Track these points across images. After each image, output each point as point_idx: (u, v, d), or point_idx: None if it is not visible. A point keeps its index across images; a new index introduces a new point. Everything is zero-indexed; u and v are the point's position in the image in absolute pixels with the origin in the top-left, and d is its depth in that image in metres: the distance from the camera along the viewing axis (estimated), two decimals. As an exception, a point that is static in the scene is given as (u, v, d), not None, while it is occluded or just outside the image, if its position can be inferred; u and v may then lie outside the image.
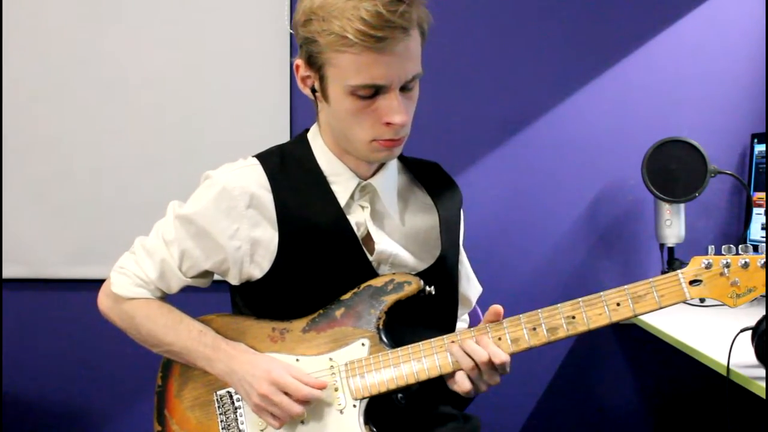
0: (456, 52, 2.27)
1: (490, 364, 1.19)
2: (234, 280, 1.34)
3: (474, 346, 1.20)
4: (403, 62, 1.18)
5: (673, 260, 2.11)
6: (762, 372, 1.30)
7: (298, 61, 1.25)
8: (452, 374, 1.24)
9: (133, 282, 1.36)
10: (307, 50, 1.21)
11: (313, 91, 1.26)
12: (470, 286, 1.52)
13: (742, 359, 1.35)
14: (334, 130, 1.29)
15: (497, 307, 1.23)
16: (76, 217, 2.27)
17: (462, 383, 1.22)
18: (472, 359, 1.20)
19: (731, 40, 2.26)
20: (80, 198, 2.27)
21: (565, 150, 2.29)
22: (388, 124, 1.20)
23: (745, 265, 1.18)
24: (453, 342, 1.23)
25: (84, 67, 2.25)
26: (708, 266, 1.19)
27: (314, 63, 1.21)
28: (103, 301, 1.41)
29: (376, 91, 1.18)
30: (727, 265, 1.18)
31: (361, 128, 1.22)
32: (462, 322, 1.55)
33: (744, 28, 2.25)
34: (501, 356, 1.19)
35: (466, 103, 2.29)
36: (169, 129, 2.26)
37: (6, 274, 2.27)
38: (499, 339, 1.22)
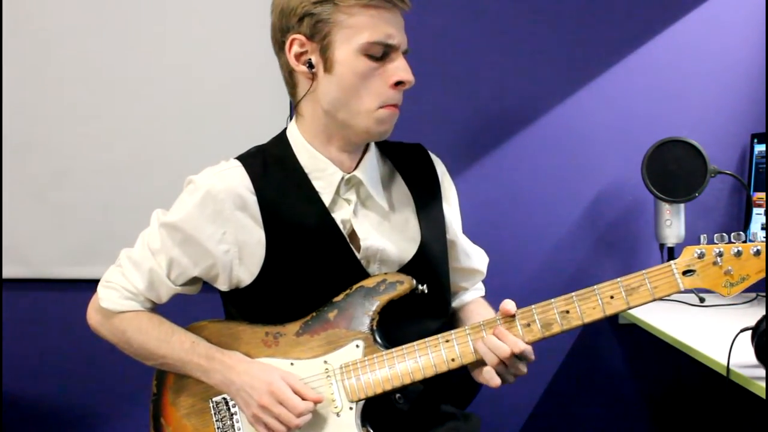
0: (455, 52, 2.27)
1: (512, 355, 1.21)
2: (223, 285, 1.33)
3: (495, 341, 1.21)
4: (402, 30, 1.28)
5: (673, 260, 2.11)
6: (762, 372, 1.30)
7: (296, 36, 1.25)
8: (478, 367, 1.25)
9: (121, 295, 1.35)
10: (313, 18, 1.23)
11: (310, 67, 1.26)
12: (472, 260, 1.52)
13: (742, 359, 1.34)
14: (331, 106, 1.28)
15: (509, 307, 1.25)
16: (76, 217, 2.27)
17: (491, 378, 1.23)
18: (495, 354, 1.21)
19: (731, 40, 2.25)
20: (80, 198, 2.27)
21: (565, 150, 2.28)
22: (396, 84, 1.25)
23: (738, 254, 1.18)
24: (478, 338, 1.23)
25: (84, 67, 2.24)
26: (701, 256, 1.19)
27: (319, 31, 1.23)
28: (93, 316, 1.40)
29: (384, 54, 1.24)
30: (720, 254, 1.18)
31: (368, 93, 1.24)
32: (477, 290, 1.55)
33: (744, 28, 2.24)
34: (519, 345, 1.21)
35: (465, 102, 2.28)
36: (168, 129, 2.26)
37: (6, 274, 2.27)
38: (494, 336, 1.22)
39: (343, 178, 1.31)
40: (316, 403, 1.25)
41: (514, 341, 1.21)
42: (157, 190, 2.18)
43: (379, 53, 1.24)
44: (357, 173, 1.33)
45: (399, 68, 1.25)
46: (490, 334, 1.23)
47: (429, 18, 2.20)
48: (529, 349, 1.22)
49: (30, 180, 2.27)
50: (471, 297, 1.53)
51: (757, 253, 1.16)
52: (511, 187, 2.29)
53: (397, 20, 1.26)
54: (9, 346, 2.28)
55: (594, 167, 2.28)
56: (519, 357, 1.22)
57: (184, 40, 2.25)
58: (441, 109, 2.26)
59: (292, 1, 1.25)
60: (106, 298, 1.36)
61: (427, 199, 1.40)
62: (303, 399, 1.24)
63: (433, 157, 1.48)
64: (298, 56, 1.27)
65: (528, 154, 2.29)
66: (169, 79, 2.25)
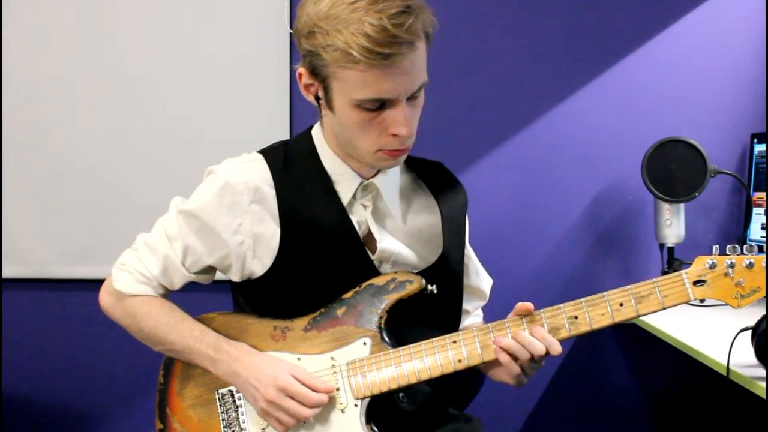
0: (456, 52, 2.27)
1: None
2: (236, 276, 1.34)
3: (530, 338, 1.20)
4: (410, 75, 1.17)
5: (673, 260, 2.11)
6: (762, 372, 1.30)
7: (301, 70, 1.23)
8: (497, 364, 1.24)
9: (135, 278, 1.35)
10: (310, 62, 1.19)
11: (317, 98, 1.25)
12: (481, 279, 1.52)
13: (742, 359, 1.34)
14: (338, 136, 1.28)
15: (528, 305, 1.24)
16: (76, 217, 2.27)
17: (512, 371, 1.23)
18: (528, 350, 1.20)
19: (731, 40, 2.26)
20: (80, 198, 2.27)
21: (565, 150, 2.29)
22: (394, 135, 1.20)
23: (750, 266, 1.17)
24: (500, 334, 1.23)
25: (84, 66, 2.25)
26: (712, 266, 1.18)
27: (318, 74, 1.19)
28: (105, 298, 1.40)
29: (382, 104, 1.18)
30: (732, 266, 1.17)
31: (366, 138, 1.22)
32: (476, 316, 1.55)
33: (744, 28, 2.25)
34: (556, 347, 1.20)
35: (466, 103, 2.29)
36: (168, 129, 2.26)
37: (6, 274, 2.27)
38: (502, 339, 1.23)
39: (361, 183, 1.32)
40: (327, 393, 1.24)
41: (552, 342, 1.20)
42: (157, 190, 2.18)
43: (375, 106, 1.17)
44: (375, 180, 1.33)
45: (397, 121, 1.18)
46: (522, 331, 1.22)
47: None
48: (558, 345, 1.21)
49: (30, 180, 2.27)
50: (471, 321, 1.53)
51: None
52: (511, 186, 2.30)
53: (394, 73, 1.14)
54: (9, 346, 2.28)
55: (594, 167, 2.29)
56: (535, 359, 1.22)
57: (185, 40, 2.25)
58: (441, 110, 2.26)
59: (295, 33, 1.21)
60: (119, 280, 1.36)
61: (453, 211, 1.40)
62: (314, 391, 1.24)
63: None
64: (306, 87, 1.26)
65: (528, 154, 2.29)
66: (170, 79, 2.26)
